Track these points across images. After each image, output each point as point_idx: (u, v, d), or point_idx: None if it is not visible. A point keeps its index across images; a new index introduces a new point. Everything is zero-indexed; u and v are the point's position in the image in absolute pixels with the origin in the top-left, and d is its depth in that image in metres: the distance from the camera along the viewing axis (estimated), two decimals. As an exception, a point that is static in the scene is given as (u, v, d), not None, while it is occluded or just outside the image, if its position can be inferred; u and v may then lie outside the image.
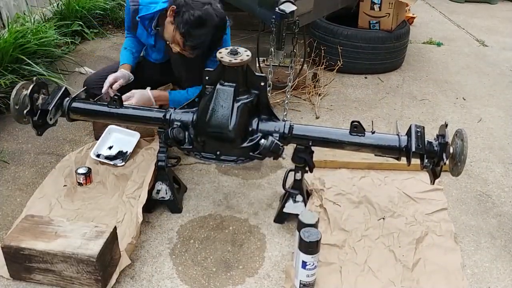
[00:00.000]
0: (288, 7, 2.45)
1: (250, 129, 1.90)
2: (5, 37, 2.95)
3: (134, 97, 2.24)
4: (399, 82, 3.61)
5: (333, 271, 1.79)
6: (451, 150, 1.77)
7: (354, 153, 1.98)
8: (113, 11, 4.62)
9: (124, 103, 2.05)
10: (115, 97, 2.01)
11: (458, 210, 2.21)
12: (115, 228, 1.73)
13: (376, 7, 3.53)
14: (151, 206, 2.07)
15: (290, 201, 2.03)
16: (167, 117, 1.95)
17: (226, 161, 1.93)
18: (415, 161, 1.82)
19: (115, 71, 2.37)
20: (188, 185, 2.29)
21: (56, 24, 3.65)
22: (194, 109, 1.96)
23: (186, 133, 1.92)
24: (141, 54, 2.60)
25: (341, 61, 3.44)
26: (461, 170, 1.75)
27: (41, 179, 2.28)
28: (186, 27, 2.04)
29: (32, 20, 3.54)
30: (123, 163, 2.32)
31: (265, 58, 3.22)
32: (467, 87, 3.58)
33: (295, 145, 1.92)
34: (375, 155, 1.92)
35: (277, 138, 1.85)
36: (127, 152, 2.38)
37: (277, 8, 2.46)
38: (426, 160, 1.80)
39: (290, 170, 2.01)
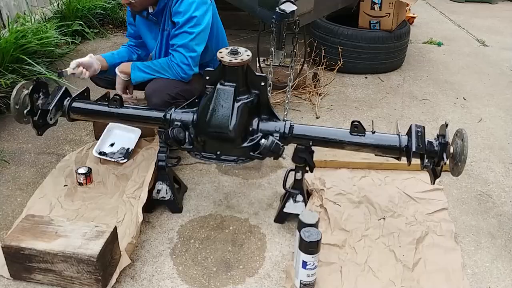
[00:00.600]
0: (289, 7, 2.45)
1: (251, 129, 1.90)
2: (5, 37, 2.95)
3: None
4: (399, 82, 3.61)
5: (334, 271, 1.79)
6: (452, 150, 1.77)
7: (354, 153, 1.98)
8: (114, 10, 4.63)
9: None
10: (116, 96, 2.01)
11: (458, 210, 2.21)
12: (115, 228, 1.73)
13: (376, 7, 3.53)
14: (151, 206, 2.07)
15: (291, 201, 2.03)
16: (167, 117, 1.95)
17: (227, 161, 1.93)
18: (416, 161, 1.82)
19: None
20: (189, 185, 2.29)
21: (56, 24, 3.65)
22: (194, 109, 1.96)
23: (187, 133, 1.92)
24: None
25: (342, 61, 3.44)
26: (462, 170, 1.75)
27: (41, 179, 2.28)
28: None
29: (33, 20, 3.54)
30: (126, 160, 2.32)
31: (265, 58, 3.22)
32: (468, 87, 3.57)
33: (295, 145, 1.92)
34: (376, 155, 1.92)
35: (278, 138, 1.85)
36: (128, 148, 2.38)
37: (277, 8, 2.46)
38: (426, 160, 1.80)
39: (291, 170, 2.01)
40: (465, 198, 2.30)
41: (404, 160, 1.87)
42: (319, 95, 3.25)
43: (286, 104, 2.64)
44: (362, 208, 2.13)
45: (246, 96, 1.88)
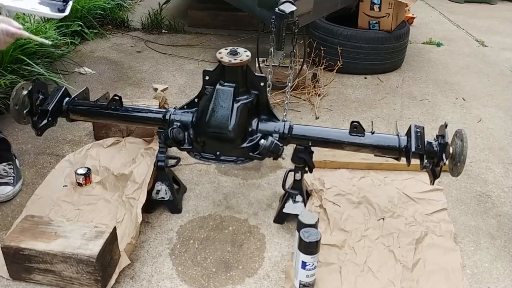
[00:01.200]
0: (288, 8, 2.45)
1: (250, 129, 1.90)
2: (5, 38, 2.95)
3: None
4: (398, 83, 3.61)
5: (333, 272, 1.79)
6: (451, 151, 1.77)
7: (353, 153, 1.98)
8: (113, 11, 4.63)
9: None
10: (116, 97, 2.01)
11: (457, 211, 2.21)
12: (114, 228, 1.73)
13: (375, 7, 3.53)
14: (150, 206, 2.07)
15: (290, 202, 2.03)
16: (167, 117, 1.95)
17: (226, 162, 1.93)
18: (415, 162, 1.82)
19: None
20: (188, 186, 2.29)
21: (56, 24, 3.65)
22: (193, 109, 1.96)
23: (186, 133, 1.92)
24: None
25: (341, 61, 3.44)
26: (461, 171, 1.75)
27: (40, 179, 2.28)
28: None
29: (32, 20, 3.54)
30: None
31: (264, 59, 3.22)
32: (467, 87, 3.58)
33: (294, 145, 1.93)
34: (375, 155, 1.92)
35: (277, 138, 1.85)
36: None
37: (277, 9, 2.46)
38: (425, 161, 1.80)
39: (290, 171, 2.01)
40: (465, 198, 2.30)
41: (403, 160, 1.87)
42: (319, 95, 3.25)
43: (286, 105, 2.65)
44: (362, 209, 2.13)
45: (245, 97, 1.88)
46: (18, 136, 2.67)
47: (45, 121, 1.96)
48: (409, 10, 4.75)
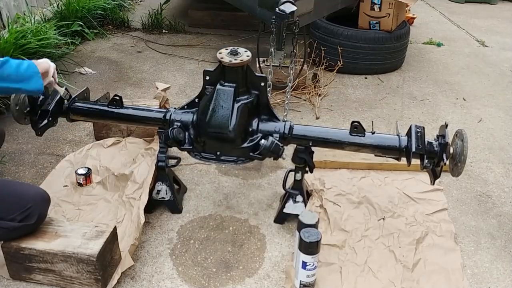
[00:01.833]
0: (288, 8, 2.45)
1: (250, 129, 1.90)
2: (5, 38, 2.95)
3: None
4: (399, 83, 3.61)
5: (333, 272, 1.79)
6: (451, 151, 1.77)
7: (354, 153, 1.98)
8: (113, 11, 4.63)
9: None
10: (116, 97, 2.01)
11: (458, 211, 2.20)
12: (115, 228, 1.73)
13: (376, 7, 3.53)
14: (151, 206, 2.07)
15: (290, 202, 2.03)
16: (167, 117, 1.95)
17: (226, 162, 1.93)
18: (415, 162, 1.82)
19: None
20: (188, 186, 2.29)
21: (56, 25, 3.65)
22: (194, 109, 1.96)
23: (186, 133, 1.92)
24: None
25: (341, 61, 3.44)
26: (461, 171, 1.75)
27: (41, 179, 2.28)
28: None
29: (32, 21, 3.54)
30: None
31: (265, 59, 3.22)
32: (467, 88, 3.57)
33: (295, 145, 1.92)
34: (375, 155, 1.92)
35: (277, 138, 1.85)
36: None
37: (277, 9, 2.46)
38: (426, 161, 1.80)
39: (290, 171, 2.01)
40: (465, 198, 2.30)
41: (404, 160, 1.87)
42: (319, 95, 3.25)
43: (286, 105, 2.64)
44: (362, 209, 2.13)
45: (246, 97, 1.88)
46: (18, 136, 2.67)
47: (45, 121, 1.96)
48: (409, 10, 4.75)
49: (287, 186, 2.03)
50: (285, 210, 2.04)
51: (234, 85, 1.85)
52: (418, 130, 1.83)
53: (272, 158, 1.88)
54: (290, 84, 2.66)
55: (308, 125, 2.04)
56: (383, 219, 2.07)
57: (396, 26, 3.62)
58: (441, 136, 1.81)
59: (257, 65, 3.10)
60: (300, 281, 1.68)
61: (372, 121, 2.41)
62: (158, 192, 2.07)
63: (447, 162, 1.79)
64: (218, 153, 1.92)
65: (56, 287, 1.70)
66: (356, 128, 1.86)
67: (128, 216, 1.97)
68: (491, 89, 3.56)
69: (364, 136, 1.86)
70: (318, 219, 1.70)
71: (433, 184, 1.86)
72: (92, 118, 2.22)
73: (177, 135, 1.87)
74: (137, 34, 4.44)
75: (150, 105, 2.51)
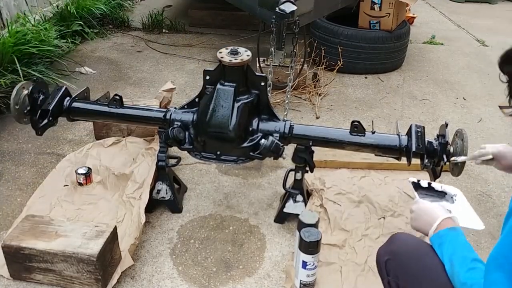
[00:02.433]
0: (288, 7, 2.45)
1: (250, 129, 1.90)
2: (5, 37, 2.95)
3: None
4: (399, 82, 3.61)
5: (334, 271, 1.78)
6: (452, 150, 1.77)
7: (354, 153, 1.98)
8: (114, 11, 4.63)
9: None
10: (116, 96, 2.01)
11: (458, 210, 2.20)
12: (115, 228, 1.73)
13: (376, 7, 3.53)
14: (151, 206, 2.07)
15: (291, 201, 2.03)
16: (167, 117, 1.95)
17: (226, 161, 1.93)
18: (415, 161, 1.82)
19: None
20: (189, 185, 2.29)
21: (56, 24, 3.65)
22: (194, 109, 1.96)
23: (187, 133, 1.92)
24: None
25: (341, 61, 3.43)
26: (461, 170, 1.75)
27: (41, 179, 2.28)
28: None
29: (33, 20, 3.54)
30: None
31: (265, 58, 3.22)
32: (467, 87, 3.57)
33: (295, 145, 1.92)
34: (376, 155, 1.92)
35: (278, 138, 1.85)
36: None
37: (277, 8, 2.46)
38: (426, 160, 1.80)
39: (291, 170, 2.01)
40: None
41: (404, 160, 1.87)
42: (319, 95, 3.25)
43: (286, 104, 2.64)
44: (362, 208, 2.12)
45: (246, 96, 1.88)
46: (18, 135, 2.67)
47: (45, 121, 1.96)
48: (409, 9, 4.75)
49: (287, 186, 2.03)
50: (285, 210, 2.04)
51: (234, 84, 1.85)
52: (418, 129, 1.83)
53: (272, 157, 1.88)
54: (290, 84, 2.66)
55: (308, 125, 2.04)
56: (384, 218, 2.07)
57: (396, 25, 3.62)
58: (441, 135, 1.81)
59: (257, 65, 3.10)
60: (300, 280, 1.68)
61: (372, 121, 2.42)
62: (158, 191, 2.07)
63: (447, 162, 1.79)
64: (218, 152, 1.92)
65: (56, 287, 1.70)
66: (356, 127, 1.86)
67: (128, 215, 1.97)
68: (491, 88, 3.56)
69: (364, 136, 1.86)
70: (318, 218, 1.69)
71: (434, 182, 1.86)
72: (92, 118, 2.22)
73: (177, 135, 1.87)
74: (137, 34, 4.44)
75: (150, 104, 2.51)
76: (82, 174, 2.19)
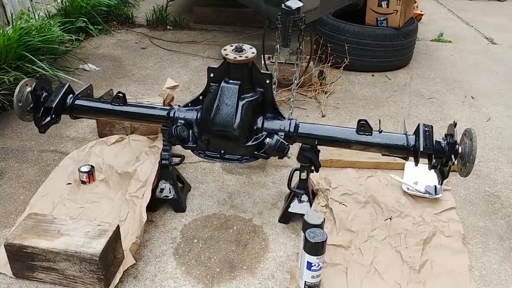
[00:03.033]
0: (294, 4, 2.42)
1: (255, 127, 1.87)
2: (9, 34, 2.94)
3: None
4: (406, 80, 3.57)
5: (339, 272, 1.76)
6: (460, 150, 1.74)
7: (360, 152, 1.95)
8: (118, 7, 4.61)
9: None
10: (120, 94, 1.99)
11: (466, 211, 2.17)
12: (118, 227, 1.71)
13: (383, 4, 3.49)
14: (154, 205, 2.05)
15: (296, 201, 2.01)
16: (171, 115, 1.93)
17: (231, 160, 1.91)
18: (423, 161, 1.79)
19: None
20: (192, 184, 2.27)
21: (60, 21, 3.64)
22: (198, 107, 1.93)
23: (190, 131, 1.89)
24: None
25: (348, 58, 3.40)
26: (470, 171, 1.72)
27: (44, 176, 2.26)
28: None
29: (37, 17, 3.53)
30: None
31: (270, 55, 3.19)
32: (476, 86, 3.53)
33: (300, 144, 1.90)
34: (382, 154, 1.89)
35: (283, 136, 1.83)
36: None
37: (283, 5, 2.43)
38: (434, 160, 1.76)
39: (296, 170, 1.99)
40: (473, 199, 2.26)
41: (411, 160, 1.84)
42: (325, 93, 3.22)
43: (292, 102, 2.62)
44: (369, 208, 2.10)
45: (250, 94, 1.85)
46: (21, 133, 2.66)
47: (48, 118, 1.94)
48: (417, 6, 4.70)
49: (292, 185, 2.00)
50: (290, 210, 2.02)
51: (239, 82, 1.83)
52: (426, 129, 1.80)
53: (277, 156, 1.85)
54: (295, 82, 2.63)
55: (314, 123, 2.01)
56: (390, 219, 2.04)
57: (403, 23, 3.58)
58: (450, 135, 1.78)
59: (262, 62, 3.07)
60: (305, 281, 1.66)
61: (379, 120, 2.38)
62: (162, 190, 2.05)
63: (456, 162, 1.76)
64: (222, 151, 1.90)
65: (59, 285, 1.69)
66: (363, 126, 1.83)
67: (131, 214, 1.96)
68: (500, 87, 3.51)
69: (371, 135, 1.83)
70: (324, 219, 1.67)
71: (441, 184, 1.83)
72: (95, 116, 2.20)
73: (181, 133, 1.84)
74: (141, 31, 4.43)
75: (154, 102, 2.49)
76: (85, 172, 2.17)
